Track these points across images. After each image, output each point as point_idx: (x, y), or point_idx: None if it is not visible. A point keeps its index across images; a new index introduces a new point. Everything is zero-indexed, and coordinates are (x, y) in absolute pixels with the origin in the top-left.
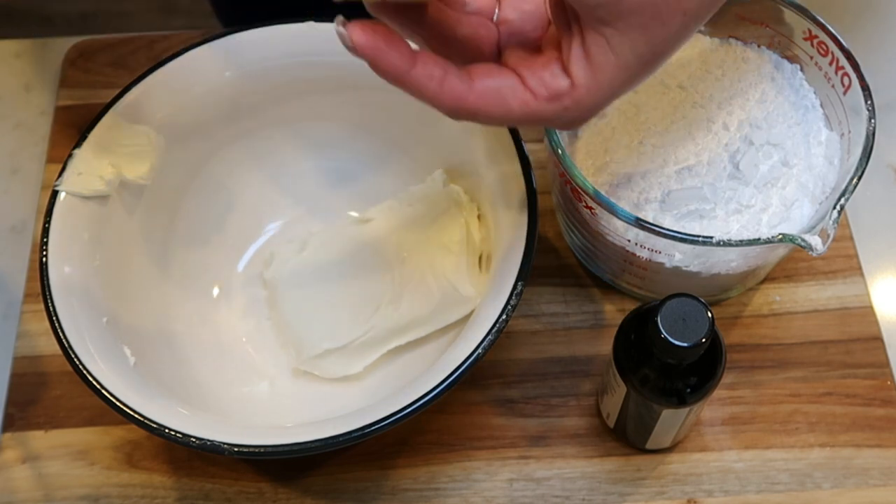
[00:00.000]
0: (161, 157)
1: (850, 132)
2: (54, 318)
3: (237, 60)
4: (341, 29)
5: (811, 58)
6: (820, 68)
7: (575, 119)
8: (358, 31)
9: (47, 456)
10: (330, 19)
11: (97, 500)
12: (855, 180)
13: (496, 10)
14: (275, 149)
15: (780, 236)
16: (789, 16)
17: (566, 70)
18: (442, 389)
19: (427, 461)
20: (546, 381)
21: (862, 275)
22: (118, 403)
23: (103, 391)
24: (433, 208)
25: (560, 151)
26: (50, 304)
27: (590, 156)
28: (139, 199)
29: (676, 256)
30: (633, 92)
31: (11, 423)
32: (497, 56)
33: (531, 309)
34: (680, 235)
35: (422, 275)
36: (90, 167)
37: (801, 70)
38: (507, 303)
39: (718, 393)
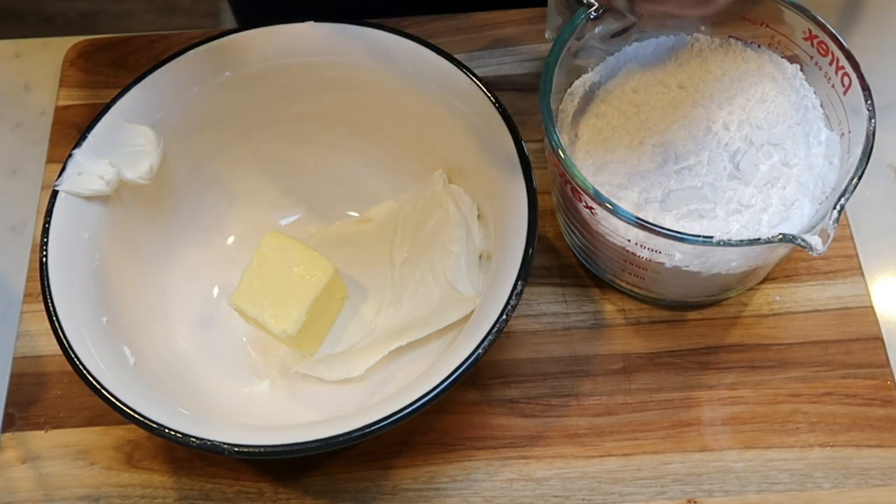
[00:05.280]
0: (161, 157)
1: (850, 132)
2: (54, 318)
3: (237, 60)
4: None
5: (811, 58)
6: (820, 68)
7: None
8: None
9: (47, 456)
10: (331, 19)
11: (97, 500)
12: (855, 180)
13: None
14: (275, 149)
15: (780, 236)
16: (789, 16)
17: None
18: (442, 389)
19: (427, 461)
20: (546, 381)
21: (862, 275)
22: (118, 403)
23: (103, 391)
24: (433, 208)
25: (560, 151)
26: (50, 304)
27: (590, 156)
28: (139, 199)
29: (676, 256)
30: (632, 91)
31: (11, 423)
32: None
33: (531, 309)
34: (680, 235)
35: (422, 275)
36: (90, 167)
37: (801, 70)
38: (507, 303)
39: (718, 393)
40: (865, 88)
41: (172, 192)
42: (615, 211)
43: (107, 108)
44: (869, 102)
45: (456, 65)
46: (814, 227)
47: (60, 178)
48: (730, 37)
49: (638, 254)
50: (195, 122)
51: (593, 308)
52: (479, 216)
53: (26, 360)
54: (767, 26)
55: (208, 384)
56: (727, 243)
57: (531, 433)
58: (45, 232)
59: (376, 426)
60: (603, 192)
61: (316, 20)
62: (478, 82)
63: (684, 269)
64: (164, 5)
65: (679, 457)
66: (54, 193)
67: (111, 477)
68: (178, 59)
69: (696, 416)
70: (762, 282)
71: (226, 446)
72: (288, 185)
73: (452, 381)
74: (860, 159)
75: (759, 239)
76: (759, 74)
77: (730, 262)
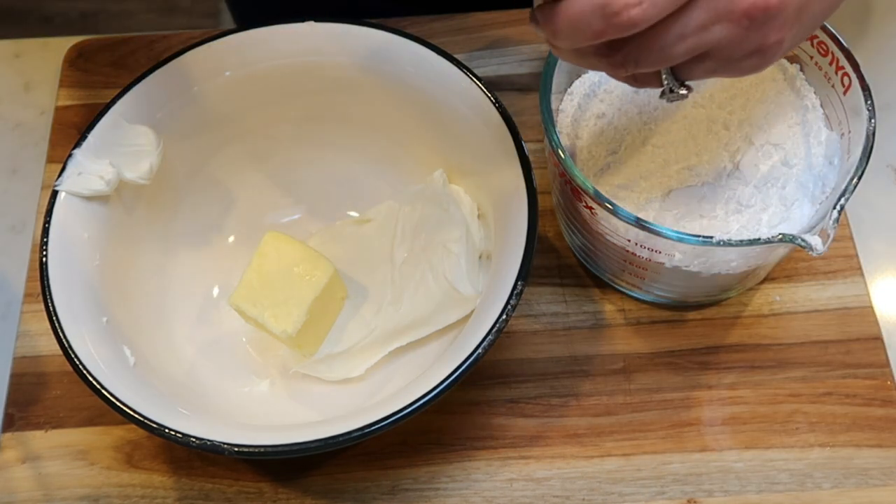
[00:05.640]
0: (161, 157)
1: (850, 132)
2: (54, 318)
3: (237, 60)
4: None
5: (811, 58)
6: (820, 68)
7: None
8: None
9: (47, 456)
10: (331, 19)
11: (97, 500)
12: (855, 180)
13: None
14: (275, 149)
15: (780, 236)
16: None
17: None
18: (442, 389)
19: (427, 461)
20: (546, 381)
21: (862, 275)
22: (118, 403)
23: (103, 391)
24: (433, 208)
25: (560, 151)
26: (50, 304)
27: (590, 156)
28: (139, 199)
29: (676, 256)
30: (633, 91)
31: (11, 423)
32: None
33: (531, 309)
34: (680, 235)
35: (422, 275)
36: (90, 167)
37: (801, 70)
38: (507, 303)
39: (718, 393)
40: (865, 88)
41: (172, 192)
42: (615, 211)
43: (107, 108)
44: (869, 102)
45: (456, 65)
46: (814, 227)
47: (60, 178)
48: None
49: (638, 254)
50: (195, 122)
51: (593, 308)
52: (479, 216)
53: (26, 360)
54: None
55: (208, 384)
56: (727, 243)
57: (531, 433)
58: (45, 232)
59: (376, 426)
60: (603, 192)
61: (316, 20)
62: (478, 82)
63: (684, 269)
64: (164, 5)
65: (679, 457)
66: (54, 193)
67: (111, 477)
68: (178, 59)
69: (696, 416)
70: (762, 282)
71: (226, 446)
72: (288, 185)
73: (452, 381)
74: (860, 159)
75: (758, 239)
76: (759, 74)
77: (730, 262)
